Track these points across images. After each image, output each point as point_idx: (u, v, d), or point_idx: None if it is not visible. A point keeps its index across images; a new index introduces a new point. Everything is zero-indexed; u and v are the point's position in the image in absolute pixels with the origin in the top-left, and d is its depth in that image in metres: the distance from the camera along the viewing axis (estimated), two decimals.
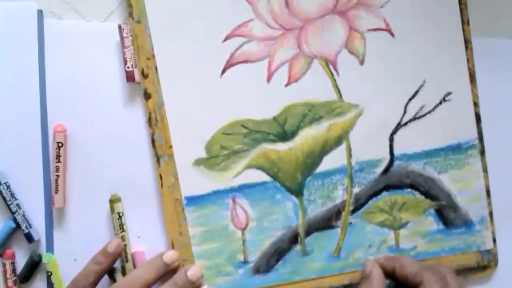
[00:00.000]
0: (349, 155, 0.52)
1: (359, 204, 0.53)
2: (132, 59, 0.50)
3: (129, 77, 0.51)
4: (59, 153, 0.51)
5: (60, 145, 0.51)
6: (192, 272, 0.50)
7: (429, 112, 0.52)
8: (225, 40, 0.51)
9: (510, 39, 0.54)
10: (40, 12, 0.51)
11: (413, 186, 0.53)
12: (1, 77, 0.51)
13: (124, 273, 0.51)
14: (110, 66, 0.51)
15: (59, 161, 0.51)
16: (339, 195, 0.52)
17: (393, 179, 0.53)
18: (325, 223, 0.53)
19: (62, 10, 0.51)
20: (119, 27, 0.50)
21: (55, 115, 0.51)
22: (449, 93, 0.52)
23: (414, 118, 0.52)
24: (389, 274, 0.50)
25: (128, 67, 0.50)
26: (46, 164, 0.51)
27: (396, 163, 0.52)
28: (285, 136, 0.52)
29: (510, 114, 0.54)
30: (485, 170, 0.53)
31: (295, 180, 0.52)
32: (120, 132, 0.52)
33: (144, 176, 0.52)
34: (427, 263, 0.52)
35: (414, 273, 0.48)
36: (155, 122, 0.51)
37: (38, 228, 0.51)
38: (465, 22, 0.52)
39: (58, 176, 0.51)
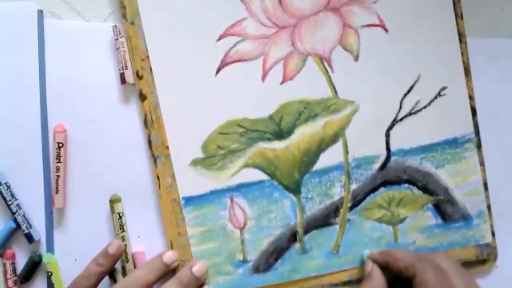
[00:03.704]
0: (346, 152, 0.52)
1: (357, 200, 0.53)
2: (123, 61, 0.50)
3: (121, 79, 0.51)
4: (59, 153, 0.51)
5: (60, 145, 0.51)
6: (197, 268, 0.50)
7: (425, 107, 0.52)
8: (219, 39, 0.51)
9: (506, 38, 0.54)
10: (40, 12, 0.51)
11: (410, 182, 0.53)
12: (1, 77, 0.51)
13: (124, 273, 0.52)
14: (110, 66, 0.51)
15: (59, 161, 0.51)
16: (337, 192, 0.52)
17: (390, 175, 0.53)
18: (324, 220, 0.53)
19: (62, 10, 0.52)
20: (113, 28, 0.50)
21: (55, 115, 0.52)
22: (444, 88, 0.52)
23: (410, 113, 0.52)
24: (384, 268, 0.50)
25: (120, 69, 0.51)
26: (46, 164, 0.52)
27: (393, 158, 0.52)
28: (281, 134, 0.52)
29: (506, 107, 0.54)
30: (482, 163, 0.53)
31: (292, 178, 0.52)
32: (120, 132, 0.52)
33: (143, 176, 0.52)
34: (422, 253, 0.51)
35: (407, 266, 0.48)
36: (151, 123, 0.51)
37: (38, 228, 0.51)
38: (458, 15, 0.52)
39: (58, 176, 0.51)
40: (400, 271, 0.48)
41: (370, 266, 0.51)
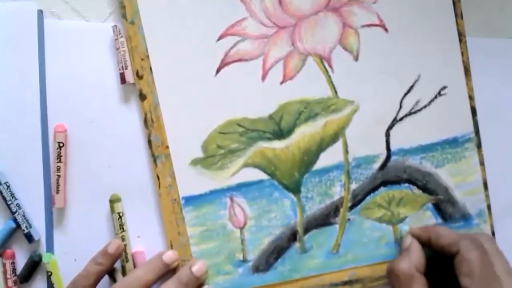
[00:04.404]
0: (346, 152, 0.52)
1: (357, 200, 0.53)
2: (123, 60, 0.50)
3: (121, 79, 0.51)
4: (60, 153, 0.51)
5: (61, 145, 0.51)
6: (197, 267, 0.50)
7: (425, 106, 0.52)
8: (219, 39, 0.51)
9: (506, 38, 0.54)
10: (40, 12, 0.51)
11: (410, 181, 0.53)
12: (1, 77, 0.51)
13: (124, 273, 0.52)
14: (110, 66, 0.51)
15: (60, 161, 0.51)
16: (337, 192, 0.52)
17: (390, 175, 0.53)
18: (324, 220, 0.53)
19: (62, 10, 0.52)
20: (113, 28, 0.50)
21: (55, 115, 0.52)
22: (444, 87, 0.52)
23: (410, 113, 0.52)
24: (425, 244, 0.50)
25: (119, 69, 0.51)
26: (46, 164, 0.52)
27: (393, 158, 0.52)
28: (281, 134, 0.52)
29: (506, 107, 0.54)
30: (482, 163, 0.53)
31: (292, 177, 0.52)
32: (120, 132, 0.52)
33: (143, 176, 0.52)
34: (464, 232, 0.51)
35: (450, 243, 0.48)
36: (151, 122, 0.51)
37: (38, 228, 0.51)
38: (458, 15, 0.52)
39: (59, 176, 0.51)
40: (442, 248, 0.48)
41: (409, 241, 0.50)
